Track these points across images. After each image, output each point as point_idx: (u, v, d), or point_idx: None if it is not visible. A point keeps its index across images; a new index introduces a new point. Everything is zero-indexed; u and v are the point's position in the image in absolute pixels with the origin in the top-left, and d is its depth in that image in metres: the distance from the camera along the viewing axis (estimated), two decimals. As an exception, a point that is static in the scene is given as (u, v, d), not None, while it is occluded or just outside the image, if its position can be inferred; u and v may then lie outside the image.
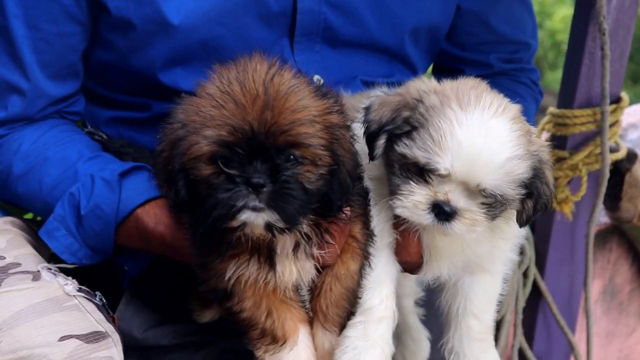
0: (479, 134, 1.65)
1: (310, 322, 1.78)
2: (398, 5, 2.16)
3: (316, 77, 2.12)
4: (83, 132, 2.15)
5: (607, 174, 2.88)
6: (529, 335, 3.24)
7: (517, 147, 1.67)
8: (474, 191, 1.68)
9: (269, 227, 1.55)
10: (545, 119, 2.96)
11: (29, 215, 2.29)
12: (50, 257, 2.08)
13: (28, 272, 1.89)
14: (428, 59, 2.38)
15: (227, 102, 1.51)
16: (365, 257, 1.77)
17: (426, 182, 1.69)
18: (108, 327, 1.84)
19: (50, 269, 1.94)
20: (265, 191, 1.51)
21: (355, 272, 1.76)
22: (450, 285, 1.92)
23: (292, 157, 1.53)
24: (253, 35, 2.04)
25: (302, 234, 1.65)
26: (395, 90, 1.82)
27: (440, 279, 1.92)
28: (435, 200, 1.68)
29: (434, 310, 2.20)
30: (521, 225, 1.78)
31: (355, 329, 1.78)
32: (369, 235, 1.78)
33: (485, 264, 1.88)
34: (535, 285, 3.15)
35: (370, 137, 1.75)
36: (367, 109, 1.78)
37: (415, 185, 1.70)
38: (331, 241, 1.68)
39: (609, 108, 2.81)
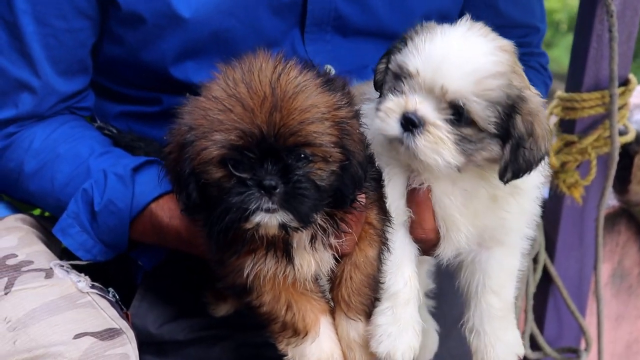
0: (456, 42, 1.69)
1: (332, 312, 1.76)
2: None
3: (327, 67, 2.10)
4: (93, 127, 2.13)
5: (616, 157, 2.87)
6: (540, 320, 3.24)
7: (493, 65, 1.67)
8: (442, 105, 1.67)
9: (282, 227, 1.54)
10: (554, 102, 2.94)
11: (37, 211, 2.28)
12: (62, 253, 2.07)
13: (41, 270, 1.89)
14: None
15: (235, 106, 1.50)
16: (382, 242, 1.76)
17: (402, 93, 1.71)
18: (122, 324, 1.84)
19: (63, 266, 1.94)
20: (278, 192, 1.50)
21: (374, 258, 1.75)
22: (469, 263, 1.90)
23: (302, 156, 1.53)
24: (264, 26, 2.02)
25: (318, 226, 1.64)
26: None
27: (457, 257, 1.90)
28: (405, 109, 1.69)
29: (443, 304, 2.19)
30: (502, 177, 1.72)
31: (384, 315, 1.77)
32: (385, 220, 1.76)
33: (498, 235, 1.86)
34: (545, 271, 3.15)
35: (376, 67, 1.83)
36: None
37: (392, 96, 1.72)
38: (348, 230, 1.67)
39: (618, 90, 2.80)
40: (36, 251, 1.96)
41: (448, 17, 2.25)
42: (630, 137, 3.03)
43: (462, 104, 1.66)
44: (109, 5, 1.98)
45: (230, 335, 2.10)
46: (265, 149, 1.49)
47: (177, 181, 1.60)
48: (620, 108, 2.85)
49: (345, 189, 1.60)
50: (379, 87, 1.81)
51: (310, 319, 1.71)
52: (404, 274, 1.80)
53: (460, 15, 2.30)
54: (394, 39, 2.14)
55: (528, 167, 1.72)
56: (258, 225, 1.54)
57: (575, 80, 2.87)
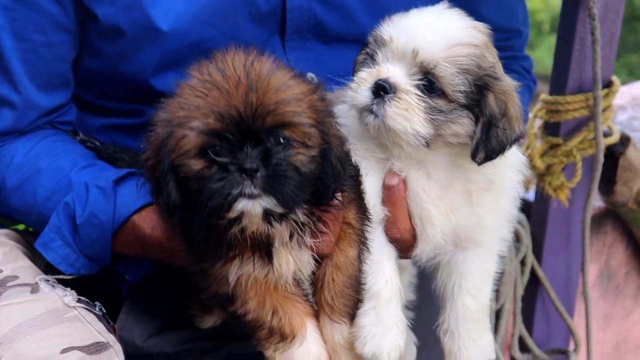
0: (432, 15, 1.73)
1: (316, 316, 1.76)
2: None
3: (309, 75, 2.10)
4: (76, 141, 2.12)
5: (601, 159, 2.88)
6: (529, 322, 3.25)
7: (466, 37, 1.70)
8: (413, 70, 1.68)
9: (267, 215, 1.52)
10: (538, 106, 2.95)
11: (21, 227, 2.26)
12: (47, 268, 2.05)
13: (26, 285, 1.88)
14: None
15: (210, 90, 1.49)
16: (362, 242, 1.75)
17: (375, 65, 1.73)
18: (109, 338, 1.83)
19: (49, 281, 1.93)
20: (260, 176, 1.48)
21: (354, 258, 1.74)
22: (445, 264, 1.90)
23: (282, 139, 1.51)
24: (244, 36, 2.01)
25: (297, 223, 1.62)
26: None
27: (434, 259, 1.90)
28: (377, 77, 1.70)
29: (422, 315, 2.18)
30: (473, 156, 1.71)
31: (368, 316, 1.77)
32: (364, 219, 1.76)
33: (474, 235, 1.86)
34: (533, 273, 3.15)
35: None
36: None
37: (365, 69, 1.75)
38: (325, 230, 1.66)
39: (601, 93, 2.81)
40: (21, 266, 1.95)
41: None
42: (614, 138, 3.04)
43: (432, 67, 1.67)
44: (88, 18, 1.97)
45: (217, 347, 2.09)
46: (244, 130, 1.48)
47: (156, 183, 1.57)
48: (604, 110, 2.86)
49: (326, 179, 1.58)
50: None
51: (296, 322, 1.71)
52: (385, 273, 1.80)
53: None
54: None
55: (501, 148, 1.72)
56: (242, 214, 1.51)
57: (559, 83, 2.88)
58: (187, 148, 1.49)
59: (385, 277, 1.80)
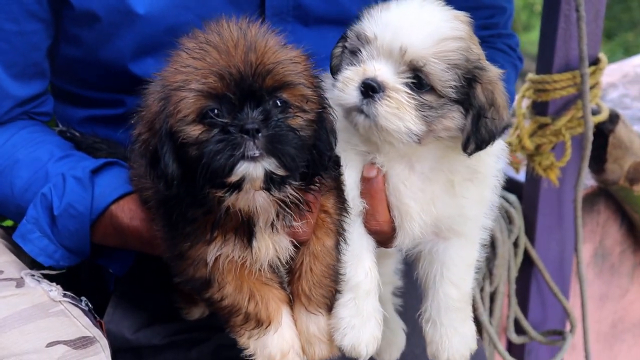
0: (413, 8, 1.70)
1: (291, 306, 1.74)
2: None
3: None
4: (54, 132, 2.10)
5: (590, 137, 2.87)
6: (524, 304, 3.24)
7: (451, 30, 1.68)
8: (401, 69, 1.66)
9: (268, 179, 1.50)
10: (525, 85, 2.94)
11: (9, 223, 2.25)
12: (32, 263, 2.04)
13: (11, 279, 1.87)
14: None
15: (209, 52, 1.48)
16: (339, 232, 1.74)
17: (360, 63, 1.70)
18: (96, 332, 1.82)
19: (34, 275, 1.92)
20: (261, 136, 1.46)
21: (331, 247, 1.73)
22: (426, 253, 1.89)
23: (279, 102, 1.50)
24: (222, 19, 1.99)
25: (284, 202, 1.60)
26: None
27: (416, 248, 1.89)
28: (364, 76, 1.67)
29: (411, 301, 2.17)
30: (464, 148, 1.71)
31: (347, 308, 1.76)
32: (342, 210, 1.74)
33: (455, 225, 1.84)
34: (526, 254, 3.15)
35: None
36: None
37: (350, 67, 1.71)
38: (308, 211, 1.64)
39: (588, 70, 2.79)
40: (6, 261, 1.94)
41: None
42: (603, 116, 3.03)
43: (421, 65, 1.65)
44: (61, 5, 1.95)
45: (206, 337, 2.08)
46: (244, 90, 1.47)
47: (151, 155, 1.55)
48: (592, 88, 2.85)
49: (321, 146, 1.57)
50: (336, 71, 1.79)
51: (272, 308, 1.69)
52: (364, 265, 1.79)
53: None
54: None
55: (491, 137, 1.72)
56: (243, 178, 1.48)
57: (545, 61, 2.86)
58: (186, 112, 1.47)
59: (365, 269, 1.79)
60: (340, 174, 1.75)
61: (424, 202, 1.78)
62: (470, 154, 1.72)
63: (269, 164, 1.48)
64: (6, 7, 1.91)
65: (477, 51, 1.72)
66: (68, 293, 1.89)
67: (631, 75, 4.05)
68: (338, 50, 1.80)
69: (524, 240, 3.11)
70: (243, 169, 1.47)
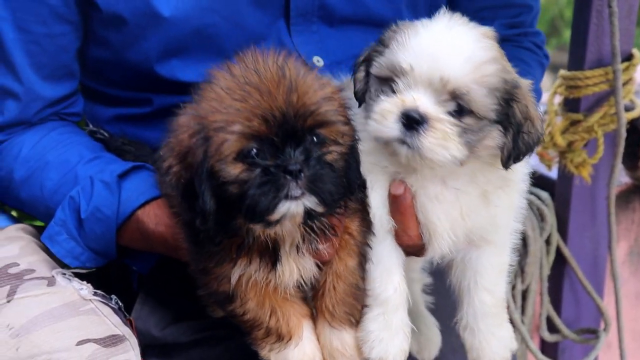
0: (443, 32, 1.66)
1: (314, 319, 1.75)
2: None
3: (315, 59, 2.09)
4: (84, 132, 2.13)
5: (623, 134, 2.84)
6: (557, 302, 3.20)
7: (485, 51, 1.65)
8: (443, 98, 1.63)
9: (308, 214, 1.52)
10: (557, 82, 2.91)
11: (40, 223, 2.28)
12: (62, 263, 2.07)
13: (43, 278, 1.89)
14: None
15: (251, 93, 1.47)
16: (362, 254, 1.74)
17: (395, 93, 1.66)
18: (125, 331, 1.84)
19: (65, 274, 1.94)
20: (303, 176, 1.47)
21: (354, 268, 1.73)
22: (459, 262, 1.89)
23: (317, 138, 1.51)
24: (247, 21, 2.00)
25: (309, 227, 1.61)
26: None
27: (447, 257, 1.89)
28: (404, 108, 1.64)
29: (441, 299, 2.17)
30: (505, 164, 1.70)
31: (376, 322, 1.78)
32: (367, 232, 1.74)
33: (487, 235, 1.84)
34: (559, 252, 3.11)
35: (353, 75, 1.78)
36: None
37: (385, 97, 1.67)
38: (333, 234, 1.65)
39: (621, 66, 2.76)
40: (38, 260, 1.96)
41: (435, 3, 2.23)
42: (637, 112, 2.99)
43: (464, 93, 1.62)
44: (89, 8, 1.97)
45: (232, 335, 2.07)
46: (287, 131, 1.47)
47: (184, 189, 1.54)
48: (625, 84, 2.81)
49: (351, 174, 1.59)
50: (360, 96, 1.76)
51: (293, 323, 1.70)
52: (394, 281, 1.80)
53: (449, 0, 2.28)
54: (382, 26, 2.13)
55: (528, 150, 1.72)
56: (284, 216, 1.50)
57: (577, 57, 2.84)
58: (228, 153, 1.47)
59: (394, 285, 1.80)
60: (365, 197, 1.75)
61: (454, 218, 1.78)
62: (508, 168, 1.72)
63: (310, 202, 1.50)
64: (35, 10, 1.94)
65: (510, 69, 1.70)
66: (98, 291, 1.91)
67: (666, 70, 3.98)
68: (361, 74, 1.77)
69: (556, 238, 3.08)
70: (285, 208, 1.49)
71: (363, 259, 1.74)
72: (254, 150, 1.47)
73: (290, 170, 1.46)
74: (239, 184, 1.49)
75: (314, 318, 1.75)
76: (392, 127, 1.64)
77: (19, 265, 1.91)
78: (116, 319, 1.86)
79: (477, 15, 2.31)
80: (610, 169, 2.93)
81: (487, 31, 1.72)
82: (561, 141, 2.89)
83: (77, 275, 1.96)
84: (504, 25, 2.37)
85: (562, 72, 2.88)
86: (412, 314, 2.06)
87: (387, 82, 1.69)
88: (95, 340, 1.77)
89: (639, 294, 3.60)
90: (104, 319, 1.84)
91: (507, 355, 1.92)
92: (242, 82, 1.49)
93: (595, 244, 3.19)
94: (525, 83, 1.73)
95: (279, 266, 1.63)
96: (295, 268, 1.65)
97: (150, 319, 2.11)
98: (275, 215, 1.50)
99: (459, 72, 1.62)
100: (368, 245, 1.74)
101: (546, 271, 3.09)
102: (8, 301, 1.80)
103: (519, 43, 2.37)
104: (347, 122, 1.56)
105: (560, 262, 3.14)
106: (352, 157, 1.58)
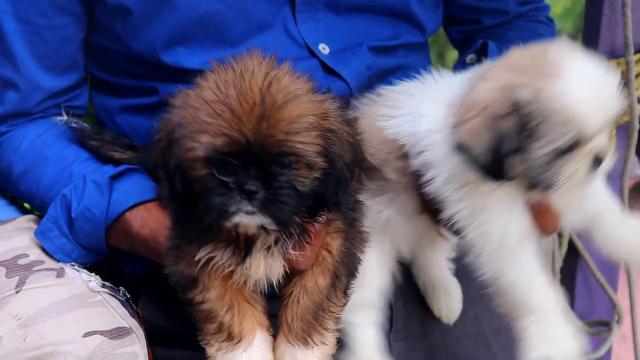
0: (591, 72, 1.74)
1: (272, 335, 1.74)
2: None
3: (321, 46, 2.09)
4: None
5: (636, 126, 2.82)
6: (570, 295, 3.20)
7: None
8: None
9: (262, 227, 1.54)
10: (570, 72, 2.88)
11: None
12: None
13: (52, 269, 1.91)
14: (437, 17, 2.33)
15: (224, 112, 1.48)
16: (336, 275, 1.72)
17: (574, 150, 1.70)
18: (132, 323, 1.85)
19: (74, 266, 1.95)
20: (258, 197, 1.49)
21: (323, 287, 1.71)
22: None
23: (286, 162, 1.51)
24: (252, 9, 2.00)
25: (285, 232, 1.62)
26: (461, 117, 1.73)
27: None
28: (597, 152, 1.74)
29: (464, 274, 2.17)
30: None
31: (531, 328, 1.81)
32: (346, 255, 1.73)
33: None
34: (571, 244, 3.10)
35: (490, 171, 1.71)
36: (460, 149, 1.72)
37: (571, 162, 1.71)
38: (309, 243, 1.65)
39: (634, 57, 2.74)
40: (47, 251, 1.98)
41: None
42: (650, 104, 2.97)
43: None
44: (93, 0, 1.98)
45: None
46: (250, 156, 1.48)
47: (164, 169, 1.60)
48: (637, 75, 2.80)
49: (328, 193, 1.58)
50: (507, 152, 1.68)
51: (247, 326, 1.68)
52: (539, 285, 1.82)
53: None
54: (387, 14, 2.13)
55: None
56: (237, 225, 1.54)
57: (589, 49, 2.79)
58: (193, 158, 1.50)
59: (541, 289, 1.82)
60: (359, 218, 1.76)
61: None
62: None
63: (262, 220, 1.51)
64: (35, 2, 1.95)
65: None
66: (107, 283, 1.93)
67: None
68: (509, 166, 1.71)
69: (568, 230, 3.07)
70: (238, 219, 1.52)
71: (336, 280, 1.72)
72: (218, 162, 1.49)
73: (245, 190, 1.49)
74: (202, 185, 1.52)
75: (272, 334, 1.73)
76: (589, 175, 1.78)
77: (28, 256, 1.93)
78: (123, 311, 1.87)
79: None
80: (624, 161, 2.91)
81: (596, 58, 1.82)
82: (573, 132, 2.87)
83: (85, 267, 1.98)
84: (518, 2, 2.42)
85: (575, 63, 2.86)
86: (434, 281, 2.23)
87: (564, 150, 1.70)
88: (102, 332, 1.77)
89: (654, 287, 3.58)
90: (111, 310, 1.85)
91: None
92: (220, 97, 1.49)
93: (609, 236, 3.17)
94: None
95: (248, 259, 1.64)
96: (262, 264, 1.65)
97: (157, 309, 2.11)
98: (229, 224, 1.53)
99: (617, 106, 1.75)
100: (344, 268, 1.73)
101: (559, 264, 3.09)
102: (17, 292, 1.81)
103: (534, 18, 2.43)
104: (324, 151, 1.54)
105: (573, 254, 3.13)
106: (329, 179, 1.57)
